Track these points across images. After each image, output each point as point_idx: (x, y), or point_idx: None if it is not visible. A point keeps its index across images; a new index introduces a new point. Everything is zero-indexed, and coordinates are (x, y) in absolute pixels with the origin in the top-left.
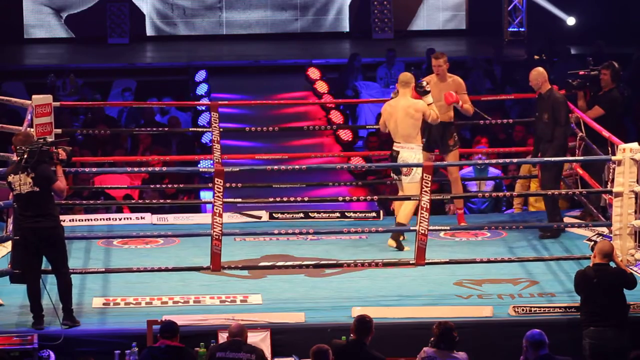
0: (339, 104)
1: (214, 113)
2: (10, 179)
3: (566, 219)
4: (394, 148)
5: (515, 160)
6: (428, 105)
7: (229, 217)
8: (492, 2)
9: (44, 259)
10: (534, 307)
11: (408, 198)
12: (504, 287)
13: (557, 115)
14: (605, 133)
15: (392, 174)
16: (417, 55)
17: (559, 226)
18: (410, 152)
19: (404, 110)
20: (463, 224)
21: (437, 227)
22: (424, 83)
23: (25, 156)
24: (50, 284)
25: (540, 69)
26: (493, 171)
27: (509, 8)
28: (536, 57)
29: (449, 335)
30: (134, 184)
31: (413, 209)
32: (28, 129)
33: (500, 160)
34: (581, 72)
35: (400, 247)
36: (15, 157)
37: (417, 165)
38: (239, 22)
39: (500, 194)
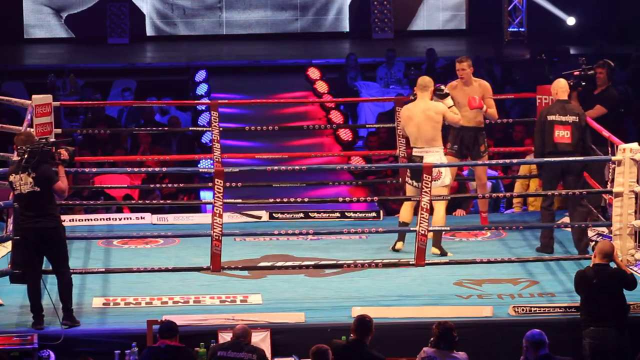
0: (339, 103)
1: (214, 113)
2: (11, 178)
3: (565, 219)
4: (416, 153)
5: (515, 160)
6: (449, 108)
7: (229, 217)
8: (492, 2)
9: (45, 258)
10: (534, 307)
11: (408, 199)
12: (504, 287)
13: None
14: (605, 133)
15: (410, 181)
16: (417, 55)
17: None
18: (436, 155)
19: (424, 114)
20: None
21: (437, 227)
22: (442, 87)
23: (26, 156)
24: (50, 283)
25: (563, 81)
26: (489, 171)
27: (509, 8)
28: (537, 57)
29: (449, 335)
30: (134, 184)
31: (445, 210)
32: (29, 129)
33: (501, 161)
34: (575, 72)
35: (444, 253)
36: (16, 157)
37: (416, 166)
38: (239, 22)
39: (500, 194)
